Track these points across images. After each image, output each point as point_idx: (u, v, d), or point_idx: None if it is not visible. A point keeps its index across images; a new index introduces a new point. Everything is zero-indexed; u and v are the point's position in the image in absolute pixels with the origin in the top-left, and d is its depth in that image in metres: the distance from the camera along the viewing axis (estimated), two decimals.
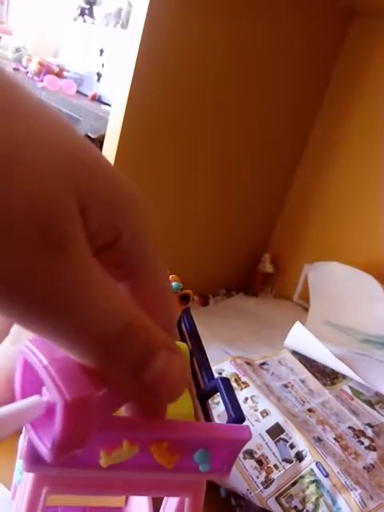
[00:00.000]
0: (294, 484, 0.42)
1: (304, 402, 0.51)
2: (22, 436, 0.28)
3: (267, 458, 0.43)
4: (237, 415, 0.22)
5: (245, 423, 0.46)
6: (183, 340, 0.34)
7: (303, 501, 0.41)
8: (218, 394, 0.25)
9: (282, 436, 0.44)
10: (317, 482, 0.41)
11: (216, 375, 0.51)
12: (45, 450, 0.17)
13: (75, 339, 0.13)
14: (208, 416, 0.26)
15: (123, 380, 0.15)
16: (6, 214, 0.11)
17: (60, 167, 0.13)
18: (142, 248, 0.15)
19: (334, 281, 0.70)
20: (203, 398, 0.27)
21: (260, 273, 0.83)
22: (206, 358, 0.29)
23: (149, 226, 0.16)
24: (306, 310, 0.73)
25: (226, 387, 0.24)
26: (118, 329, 0.13)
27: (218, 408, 0.44)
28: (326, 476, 0.41)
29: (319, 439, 0.45)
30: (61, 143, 0.13)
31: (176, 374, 0.15)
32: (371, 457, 0.45)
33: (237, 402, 0.23)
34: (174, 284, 0.30)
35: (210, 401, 0.27)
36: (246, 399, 0.48)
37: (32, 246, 0.12)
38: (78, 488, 0.22)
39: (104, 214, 0.14)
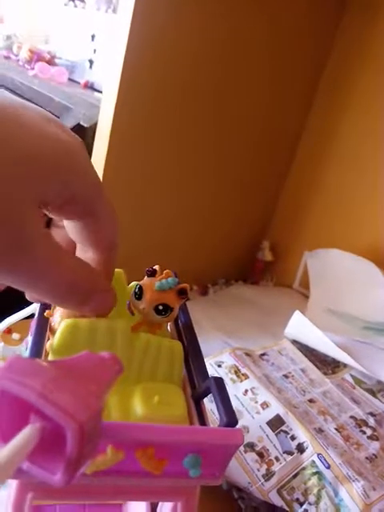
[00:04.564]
0: (295, 476, 0.41)
1: (305, 392, 0.50)
2: None
3: (268, 450, 0.42)
4: (229, 419, 0.21)
5: (245, 416, 0.45)
6: (179, 336, 0.33)
7: (305, 493, 0.40)
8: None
9: (283, 428, 0.44)
10: (318, 473, 0.41)
11: (215, 368, 0.51)
12: (53, 476, 0.16)
13: (38, 289, 0.19)
14: (202, 417, 0.25)
15: (68, 307, 0.21)
16: None
17: (19, 170, 0.17)
18: (92, 201, 0.21)
19: (334, 268, 0.69)
20: (197, 399, 0.26)
21: (259, 261, 0.82)
22: (201, 357, 0.28)
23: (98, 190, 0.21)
24: (307, 297, 0.72)
25: (219, 388, 0.23)
26: (68, 285, 0.20)
27: None
28: (328, 467, 0.40)
29: (320, 430, 0.44)
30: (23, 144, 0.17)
31: (105, 307, 0.22)
32: (373, 447, 0.44)
33: (229, 403, 0.22)
34: (169, 279, 0.29)
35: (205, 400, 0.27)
36: (246, 391, 0.47)
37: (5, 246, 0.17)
38: (64, 494, 0.21)
39: (61, 196, 0.19)
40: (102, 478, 0.20)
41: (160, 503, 0.30)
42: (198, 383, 0.26)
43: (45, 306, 0.30)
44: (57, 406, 0.14)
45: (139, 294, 0.28)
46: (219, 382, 0.24)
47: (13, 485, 0.21)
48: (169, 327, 0.33)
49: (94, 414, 0.15)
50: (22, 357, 0.16)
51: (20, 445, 0.14)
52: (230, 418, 0.21)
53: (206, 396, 0.25)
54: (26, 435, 0.15)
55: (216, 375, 0.49)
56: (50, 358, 0.25)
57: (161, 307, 0.28)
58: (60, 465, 0.16)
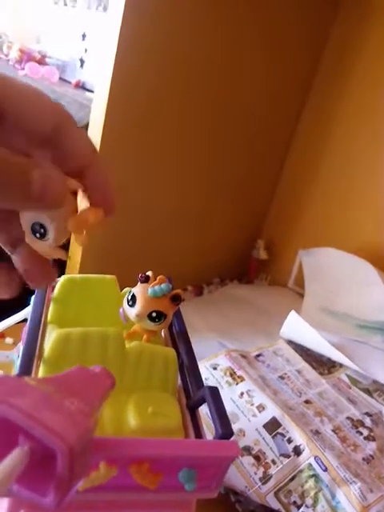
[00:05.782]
0: (292, 479, 0.41)
1: (301, 393, 0.50)
2: None
3: (265, 453, 0.42)
4: (224, 430, 0.20)
5: (242, 419, 0.45)
6: (174, 343, 0.32)
7: (302, 496, 0.40)
8: None
9: (279, 430, 0.44)
10: (315, 476, 0.40)
11: (210, 371, 0.50)
12: (44, 498, 0.15)
13: None
14: (197, 427, 0.24)
15: (22, 206, 0.18)
16: None
17: None
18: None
19: (329, 267, 0.68)
20: (192, 408, 0.26)
21: (254, 260, 0.82)
22: (196, 365, 0.28)
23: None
24: (302, 296, 0.72)
25: (214, 398, 0.23)
26: None
27: None
28: (325, 470, 0.40)
29: (317, 432, 0.44)
30: None
31: (54, 182, 0.18)
32: (370, 447, 0.44)
33: (225, 414, 0.22)
34: (163, 286, 0.29)
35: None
36: (242, 394, 0.47)
37: None
38: (57, 510, 0.21)
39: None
40: (96, 493, 0.19)
41: None
42: (193, 392, 0.26)
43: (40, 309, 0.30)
44: (45, 426, 0.14)
45: (132, 301, 0.28)
46: (214, 391, 0.24)
47: (4, 501, 0.21)
48: (163, 334, 0.33)
49: (84, 432, 0.15)
50: (10, 376, 0.15)
51: (7, 469, 0.14)
52: (225, 429, 0.21)
53: (200, 405, 0.25)
54: (14, 459, 0.14)
55: (211, 378, 0.49)
56: (41, 369, 0.24)
57: (154, 314, 0.27)
58: (51, 486, 0.15)
